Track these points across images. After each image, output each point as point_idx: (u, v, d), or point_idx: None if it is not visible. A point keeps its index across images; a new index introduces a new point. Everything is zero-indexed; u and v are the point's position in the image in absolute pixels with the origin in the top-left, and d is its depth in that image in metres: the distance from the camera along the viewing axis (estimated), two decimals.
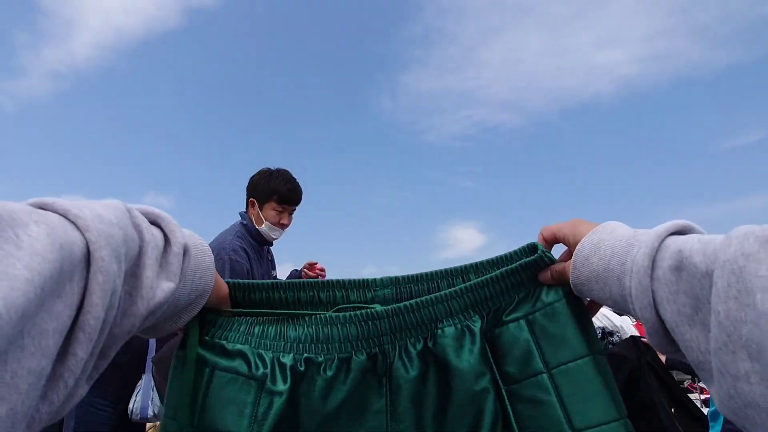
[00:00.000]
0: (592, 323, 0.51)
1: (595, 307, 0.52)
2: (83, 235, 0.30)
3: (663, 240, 0.38)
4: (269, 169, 2.05)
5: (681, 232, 0.39)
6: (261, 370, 0.48)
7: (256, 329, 0.50)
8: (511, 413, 0.47)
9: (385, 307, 0.50)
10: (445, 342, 0.49)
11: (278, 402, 0.46)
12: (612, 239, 0.43)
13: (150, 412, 1.73)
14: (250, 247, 1.96)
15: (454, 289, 0.51)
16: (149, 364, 1.75)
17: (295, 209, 2.08)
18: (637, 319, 0.42)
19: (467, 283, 0.51)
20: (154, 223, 0.41)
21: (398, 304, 0.50)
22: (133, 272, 0.36)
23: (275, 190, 1.98)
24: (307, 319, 0.51)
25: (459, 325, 0.50)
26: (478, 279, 0.51)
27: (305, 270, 2.21)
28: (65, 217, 0.30)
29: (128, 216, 0.36)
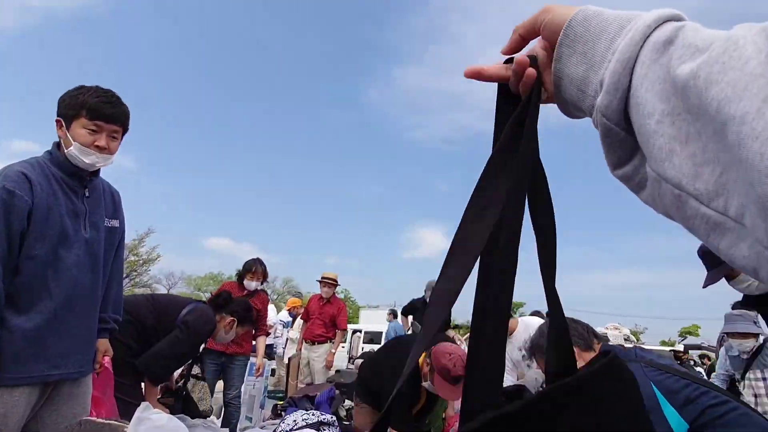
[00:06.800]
0: None
1: None
2: None
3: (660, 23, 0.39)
4: (82, 86, 1.69)
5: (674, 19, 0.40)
6: None
7: None
8: None
9: None
10: None
11: None
12: (614, 12, 0.44)
13: None
14: (52, 179, 1.61)
15: None
16: None
17: (117, 131, 1.70)
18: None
19: None
20: None
21: None
22: None
23: (84, 104, 1.62)
24: None
25: None
26: None
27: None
28: None
29: None
